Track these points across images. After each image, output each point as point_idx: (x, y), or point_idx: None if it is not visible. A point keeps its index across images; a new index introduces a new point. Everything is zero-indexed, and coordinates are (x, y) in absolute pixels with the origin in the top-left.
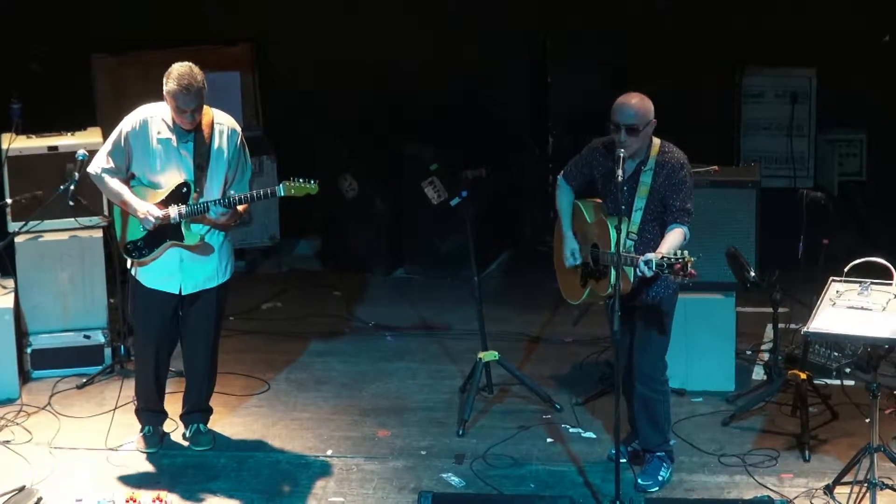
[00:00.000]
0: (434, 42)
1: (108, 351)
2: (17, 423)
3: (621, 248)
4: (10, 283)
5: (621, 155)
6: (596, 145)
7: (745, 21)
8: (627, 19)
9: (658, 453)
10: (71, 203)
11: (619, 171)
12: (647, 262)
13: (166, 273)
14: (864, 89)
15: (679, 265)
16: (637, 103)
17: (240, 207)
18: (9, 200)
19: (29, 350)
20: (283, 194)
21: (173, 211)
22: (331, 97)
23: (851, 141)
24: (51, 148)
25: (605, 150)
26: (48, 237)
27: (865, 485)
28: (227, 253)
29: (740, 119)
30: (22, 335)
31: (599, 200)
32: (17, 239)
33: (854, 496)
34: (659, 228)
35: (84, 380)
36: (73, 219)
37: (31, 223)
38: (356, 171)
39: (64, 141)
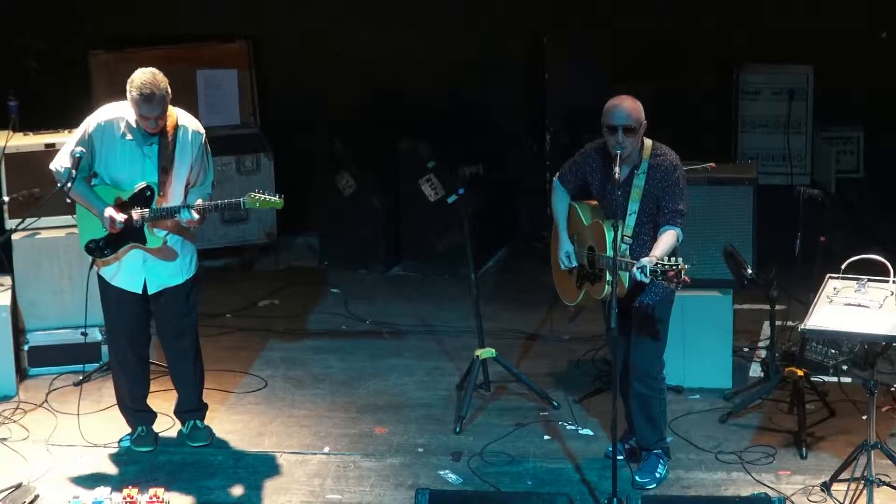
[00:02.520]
0: (432, 39)
1: (104, 348)
2: (14, 421)
3: (617, 252)
4: (7, 280)
5: (618, 152)
6: (588, 150)
7: (742, 18)
8: (626, 16)
9: (655, 450)
10: (68, 200)
11: (617, 169)
12: (641, 269)
13: (130, 272)
14: (862, 86)
15: (672, 272)
16: (630, 104)
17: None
18: (6, 198)
19: (26, 347)
20: (246, 206)
21: (136, 214)
22: (328, 94)
23: (849, 138)
24: (48, 145)
25: (597, 154)
26: (45, 234)
27: (862, 482)
28: (190, 249)
29: (738, 116)
30: (19, 332)
31: (596, 203)
32: (14, 236)
33: (851, 493)
34: (655, 231)
35: (81, 377)
36: (70, 216)
37: (29, 220)
38: (353, 169)
39: (61, 138)
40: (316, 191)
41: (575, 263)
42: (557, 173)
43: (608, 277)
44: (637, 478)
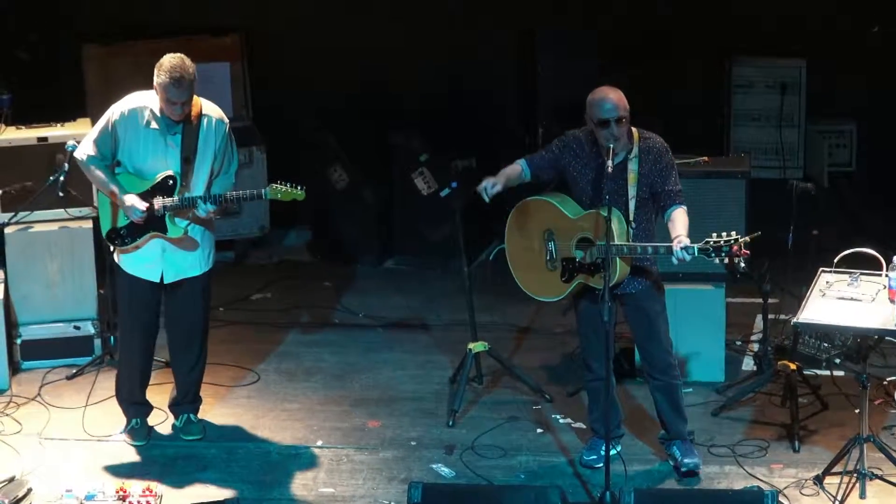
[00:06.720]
0: (424, 32)
1: (97, 342)
2: (7, 414)
3: (626, 239)
4: None
5: (611, 146)
6: (569, 140)
7: (734, 11)
8: (617, 8)
9: (689, 437)
10: (61, 194)
11: (610, 162)
12: (685, 249)
13: (148, 261)
14: (854, 80)
15: (736, 247)
16: (616, 96)
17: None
18: None
19: (19, 341)
20: (268, 197)
21: (158, 203)
22: (320, 88)
23: (841, 132)
24: (41, 139)
25: (579, 142)
26: (38, 228)
27: (855, 475)
28: (210, 242)
29: (730, 109)
30: (12, 326)
31: (564, 195)
32: (7, 230)
33: (843, 486)
34: (650, 214)
35: (74, 371)
36: (62, 209)
37: (21, 214)
38: (346, 162)
39: (54, 132)
40: (308, 184)
41: (493, 190)
42: (526, 156)
43: (619, 264)
44: (686, 460)
